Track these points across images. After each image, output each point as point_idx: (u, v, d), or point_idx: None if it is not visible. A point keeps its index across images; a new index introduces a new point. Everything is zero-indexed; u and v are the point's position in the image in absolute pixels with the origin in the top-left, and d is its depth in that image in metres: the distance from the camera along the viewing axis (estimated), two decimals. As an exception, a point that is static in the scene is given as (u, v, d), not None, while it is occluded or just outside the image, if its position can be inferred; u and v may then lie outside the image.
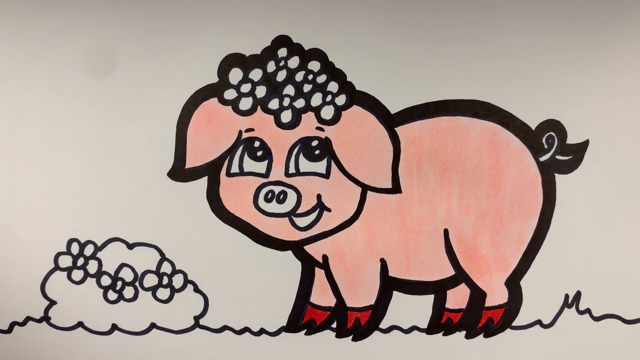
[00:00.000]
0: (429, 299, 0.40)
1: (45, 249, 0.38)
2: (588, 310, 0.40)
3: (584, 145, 0.38)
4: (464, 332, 0.40)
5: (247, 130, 0.37)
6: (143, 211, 0.38)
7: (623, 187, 0.38)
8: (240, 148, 0.37)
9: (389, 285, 0.39)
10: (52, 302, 0.39)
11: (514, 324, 0.40)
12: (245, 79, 0.36)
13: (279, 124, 0.37)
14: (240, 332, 0.40)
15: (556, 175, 0.38)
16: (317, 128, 0.37)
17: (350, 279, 0.39)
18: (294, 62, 0.36)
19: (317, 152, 0.37)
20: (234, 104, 0.36)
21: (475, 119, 0.37)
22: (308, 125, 0.37)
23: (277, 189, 0.37)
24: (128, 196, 0.38)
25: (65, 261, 0.38)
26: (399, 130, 0.37)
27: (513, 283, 0.39)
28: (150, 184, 0.37)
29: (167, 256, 0.39)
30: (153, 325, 0.40)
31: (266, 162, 0.37)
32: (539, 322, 0.40)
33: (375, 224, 0.38)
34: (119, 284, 0.39)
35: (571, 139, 0.38)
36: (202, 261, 0.38)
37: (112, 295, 0.39)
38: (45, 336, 0.39)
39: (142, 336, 0.40)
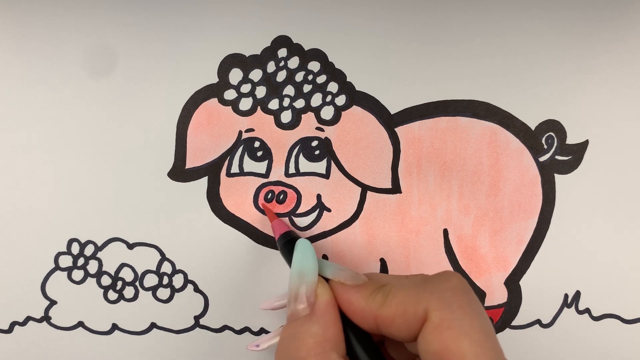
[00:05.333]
0: (429, 298, 0.40)
1: (45, 249, 0.38)
2: (587, 310, 0.40)
3: (584, 145, 0.38)
4: (463, 332, 0.40)
5: (247, 131, 0.37)
6: (143, 211, 0.38)
7: (623, 187, 0.39)
8: (240, 148, 0.37)
9: (389, 285, 0.39)
10: (53, 302, 0.39)
11: (513, 323, 0.40)
12: (245, 80, 0.36)
13: (279, 124, 0.37)
14: (240, 332, 0.40)
15: (556, 175, 0.38)
16: (317, 128, 0.37)
17: (350, 278, 0.39)
18: (294, 62, 0.36)
19: (317, 152, 0.37)
20: (234, 104, 0.36)
21: (475, 119, 0.37)
22: (308, 126, 0.37)
23: (277, 189, 0.37)
24: (128, 196, 0.38)
25: (66, 261, 0.38)
26: (399, 130, 0.37)
27: (512, 283, 0.40)
28: (150, 184, 0.37)
29: (167, 256, 0.39)
30: (153, 325, 0.40)
31: (266, 162, 0.37)
32: (538, 321, 0.40)
33: (375, 224, 0.38)
34: (119, 283, 0.39)
35: (571, 139, 0.38)
36: (202, 261, 0.39)
37: (112, 295, 0.39)
38: (45, 336, 0.39)
39: (142, 336, 0.40)
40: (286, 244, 0.32)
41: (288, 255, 0.31)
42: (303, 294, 0.26)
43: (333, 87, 0.36)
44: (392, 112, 0.37)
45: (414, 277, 0.26)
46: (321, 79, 0.36)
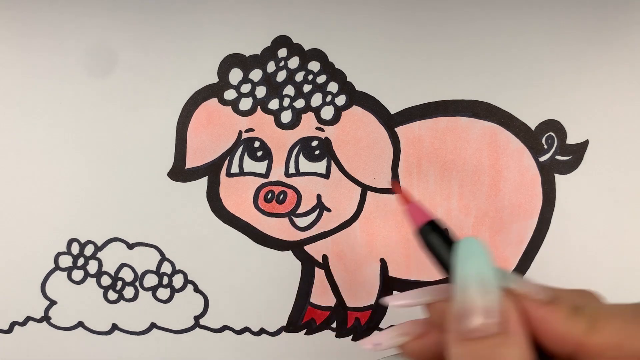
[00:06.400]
0: (429, 298, 0.40)
1: (45, 249, 0.38)
2: (587, 310, 0.40)
3: (584, 145, 0.38)
4: (463, 332, 0.40)
5: (247, 131, 0.37)
6: (143, 211, 0.38)
7: (623, 187, 0.38)
8: (240, 148, 0.37)
9: (389, 285, 0.39)
10: (53, 302, 0.39)
11: (514, 323, 0.40)
12: (245, 80, 0.36)
13: (279, 124, 0.37)
14: (240, 332, 0.40)
15: (556, 175, 0.38)
16: (317, 128, 0.37)
17: (350, 279, 0.39)
18: (294, 62, 0.36)
19: (317, 152, 0.37)
20: (234, 104, 0.36)
21: (475, 119, 0.37)
22: (308, 126, 0.37)
23: (277, 189, 0.37)
24: (128, 196, 0.38)
25: (66, 261, 0.38)
26: (399, 130, 0.37)
27: (513, 283, 0.40)
28: (150, 184, 0.37)
29: (167, 256, 0.39)
30: (153, 325, 0.40)
31: (266, 162, 0.37)
32: (538, 321, 0.40)
33: (375, 224, 0.38)
34: (119, 284, 0.39)
35: (571, 139, 0.38)
36: (202, 261, 0.39)
37: (112, 295, 0.39)
38: (45, 336, 0.39)
39: (142, 336, 0.40)
40: (434, 237, 0.24)
41: (438, 250, 0.24)
42: (490, 307, 0.21)
43: (333, 87, 0.36)
44: (392, 112, 0.37)
45: (627, 306, 0.22)
46: (321, 79, 0.36)
